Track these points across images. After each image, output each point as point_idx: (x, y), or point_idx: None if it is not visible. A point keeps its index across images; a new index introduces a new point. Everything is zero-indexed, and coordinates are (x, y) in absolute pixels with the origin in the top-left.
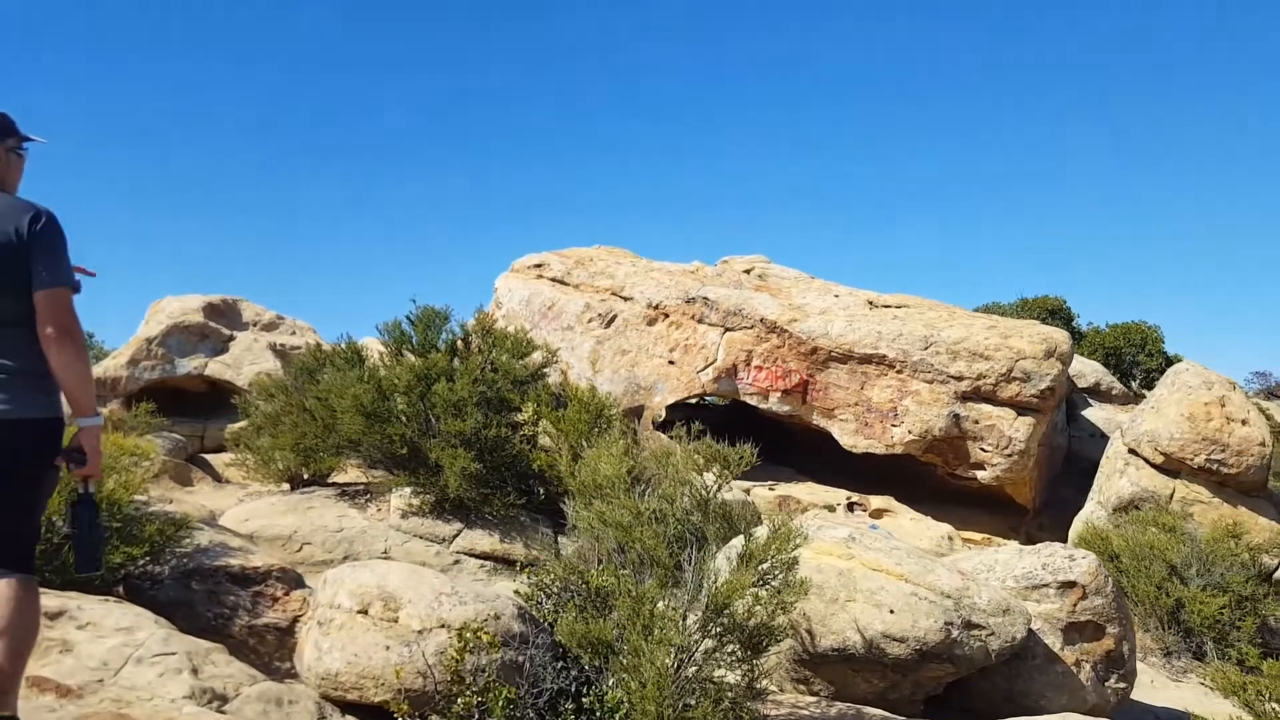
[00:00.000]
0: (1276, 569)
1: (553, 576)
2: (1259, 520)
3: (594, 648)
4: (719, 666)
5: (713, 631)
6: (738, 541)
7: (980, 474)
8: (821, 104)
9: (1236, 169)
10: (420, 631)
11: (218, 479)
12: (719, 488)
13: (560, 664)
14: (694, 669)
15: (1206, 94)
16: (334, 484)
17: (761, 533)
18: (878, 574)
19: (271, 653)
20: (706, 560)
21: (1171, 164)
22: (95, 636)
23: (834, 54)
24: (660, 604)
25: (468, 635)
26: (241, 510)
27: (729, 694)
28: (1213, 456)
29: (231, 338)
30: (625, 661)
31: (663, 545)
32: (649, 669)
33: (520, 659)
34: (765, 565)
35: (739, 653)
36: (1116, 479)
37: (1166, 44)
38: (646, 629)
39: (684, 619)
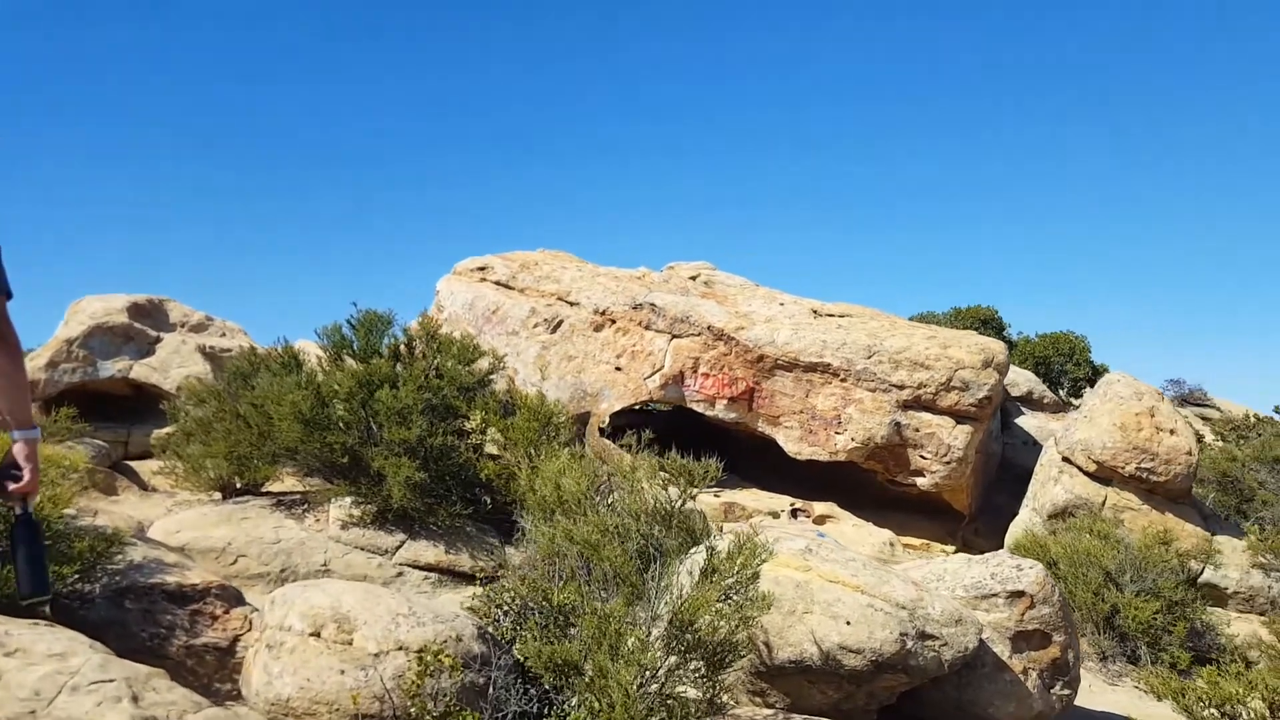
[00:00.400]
0: (1201, 573)
1: (511, 593)
2: (1185, 526)
3: (558, 668)
4: (681, 682)
5: (677, 649)
6: (699, 555)
7: (920, 481)
8: (819, 104)
9: (1171, 182)
10: (377, 654)
11: (144, 487)
12: (683, 503)
13: (521, 684)
14: (656, 685)
15: (1205, 96)
16: (269, 493)
17: (723, 546)
18: (834, 585)
19: (211, 674)
20: (669, 575)
21: (1117, 174)
22: (25, 664)
23: (835, 54)
24: (626, 622)
25: (428, 658)
26: (172, 521)
27: (691, 710)
28: (1143, 465)
29: (158, 339)
30: (591, 681)
31: (631, 562)
32: (617, 690)
33: (481, 681)
34: (730, 581)
35: (702, 669)
36: (1051, 486)
37: (1164, 45)
38: (613, 649)
39: (648, 634)
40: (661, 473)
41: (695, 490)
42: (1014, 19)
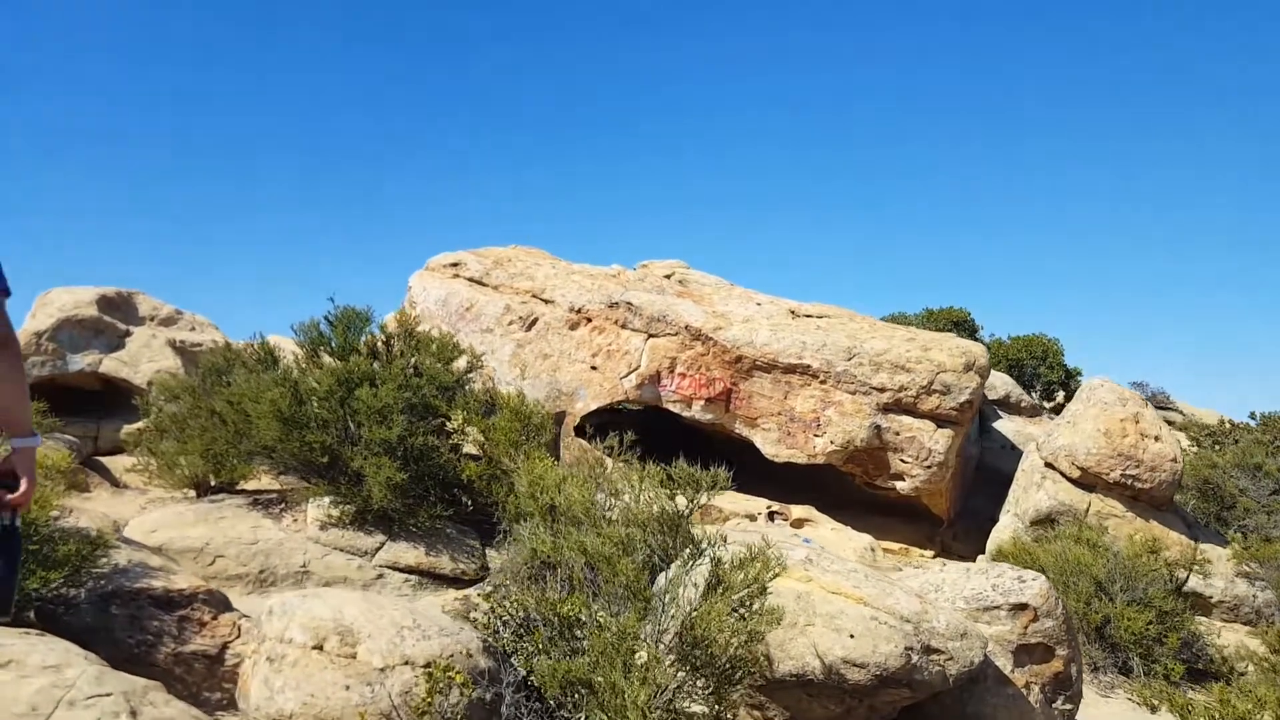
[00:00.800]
0: (1185, 582)
1: (515, 603)
2: (1170, 534)
3: (570, 685)
4: (688, 698)
5: (686, 664)
6: (703, 566)
7: (900, 484)
8: (793, 106)
9: (1138, 186)
10: (383, 669)
11: (115, 484)
12: (691, 512)
13: (528, 701)
14: (664, 700)
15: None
16: (244, 492)
17: (728, 557)
18: (836, 597)
19: (200, 683)
20: (677, 588)
21: (1091, 178)
22: (19, 677)
23: (805, 57)
24: (638, 638)
25: (437, 674)
26: (147, 520)
27: None
28: (1128, 471)
29: (128, 333)
30: (603, 699)
31: (644, 575)
32: (632, 710)
33: (489, 697)
34: (741, 594)
35: (710, 685)
36: (1034, 492)
37: (1146, 52)
38: (626, 665)
39: (656, 647)
40: (669, 481)
41: (704, 499)
42: (997, 24)
